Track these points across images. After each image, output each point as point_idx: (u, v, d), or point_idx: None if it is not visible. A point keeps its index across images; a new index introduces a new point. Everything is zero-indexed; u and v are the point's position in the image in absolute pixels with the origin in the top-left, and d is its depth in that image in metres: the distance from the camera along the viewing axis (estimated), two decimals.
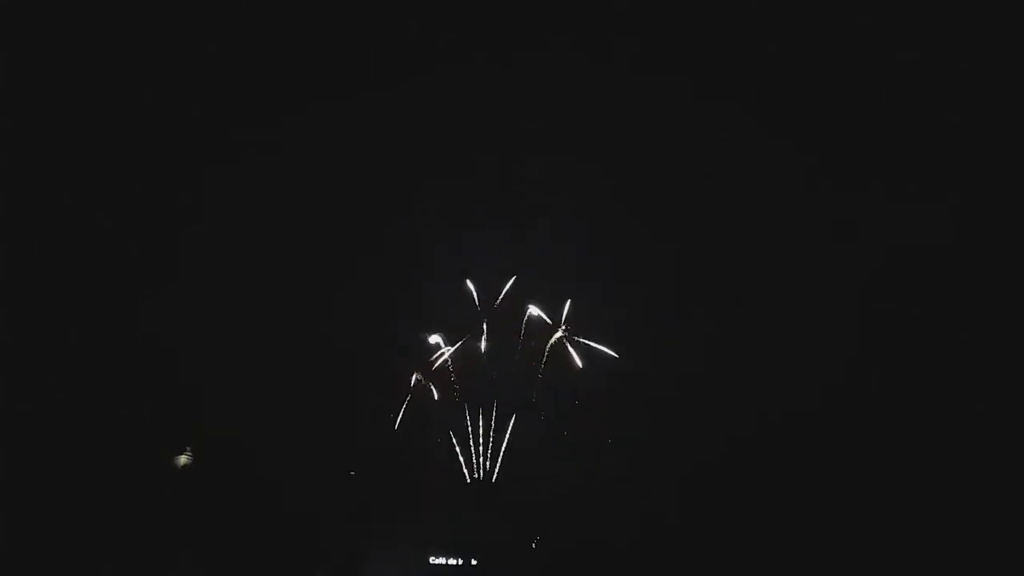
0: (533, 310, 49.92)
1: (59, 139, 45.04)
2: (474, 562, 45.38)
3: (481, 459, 48.79)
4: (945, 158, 43.95)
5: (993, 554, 38.18)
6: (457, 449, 48.91)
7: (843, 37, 44.75)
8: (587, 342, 48.97)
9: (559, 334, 49.40)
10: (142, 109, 46.69)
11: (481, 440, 48.95)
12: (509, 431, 48.83)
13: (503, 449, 48.65)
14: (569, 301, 49.80)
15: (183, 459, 46.15)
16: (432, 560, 45.23)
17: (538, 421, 49.41)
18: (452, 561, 45.33)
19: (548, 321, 49.69)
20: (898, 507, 40.87)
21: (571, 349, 49.14)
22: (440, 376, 49.64)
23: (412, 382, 49.61)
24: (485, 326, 49.68)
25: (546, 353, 49.51)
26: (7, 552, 39.03)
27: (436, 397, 49.21)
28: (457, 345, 49.60)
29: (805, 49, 45.61)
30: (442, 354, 49.67)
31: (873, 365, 43.98)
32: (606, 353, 48.74)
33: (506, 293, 50.32)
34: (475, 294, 50.54)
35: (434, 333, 49.92)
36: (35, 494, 41.10)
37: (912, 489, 40.95)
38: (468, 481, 48.66)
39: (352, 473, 47.38)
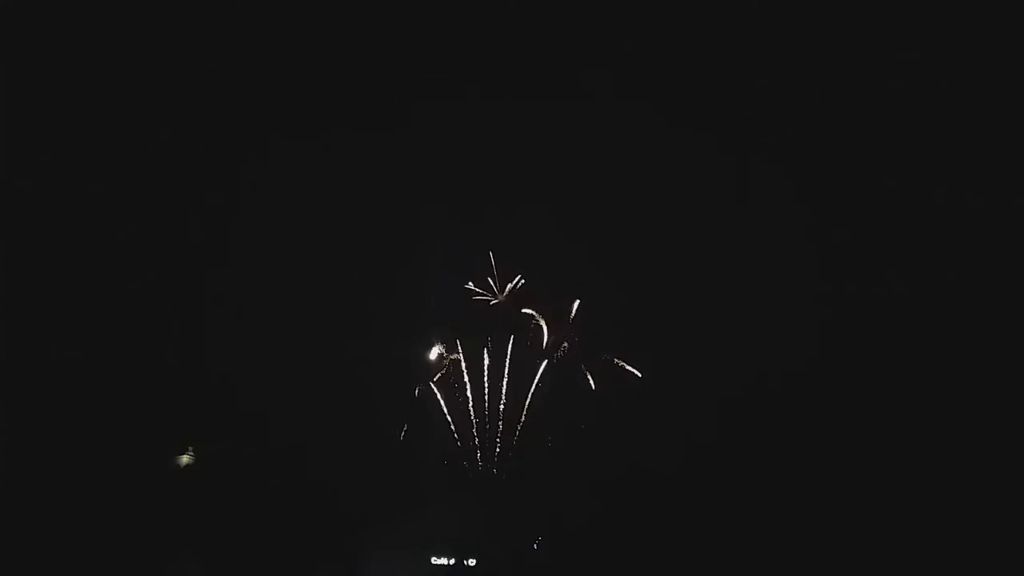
0: (540, 320, 50.03)
1: (82, 159, 45.90)
2: (471, 562, 45.18)
3: (485, 459, 48.85)
4: (944, 157, 44.52)
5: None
6: (459, 444, 48.99)
7: (842, 37, 45.36)
8: (615, 359, 48.98)
9: (565, 345, 49.41)
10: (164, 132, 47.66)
11: (487, 441, 49.01)
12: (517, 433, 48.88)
13: (510, 453, 48.74)
14: (577, 302, 49.93)
15: (185, 458, 46.17)
16: (434, 560, 45.05)
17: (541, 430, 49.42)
18: (451, 561, 45.16)
19: (548, 327, 49.79)
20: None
21: (584, 368, 49.21)
22: (444, 385, 49.66)
23: (416, 392, 49.61)
24: (489, 340, 49.63)
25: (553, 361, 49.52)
26: (8, 551, 39.06)
27: (443, 404, 49.19)
28: (459, 355, 49.58)
29: (804, 50, 46.23)
30: (445, 365, 49.69)
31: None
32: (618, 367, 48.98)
33: (509, 297, 50.50)
34: (475, 293, 50.78)
35: (435, 345, 49.91)
36: (37, 493, 41.21)
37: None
38: (471, 476, 48.67)
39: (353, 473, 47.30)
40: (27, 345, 43.01)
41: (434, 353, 49.73)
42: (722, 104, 47.23)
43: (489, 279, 51.15)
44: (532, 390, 48.62)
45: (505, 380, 48.81)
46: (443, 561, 45.25)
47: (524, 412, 48.60)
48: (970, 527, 39.28)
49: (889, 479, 41.91)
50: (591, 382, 49.03)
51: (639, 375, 48.67)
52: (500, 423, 48.68)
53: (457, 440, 48.74)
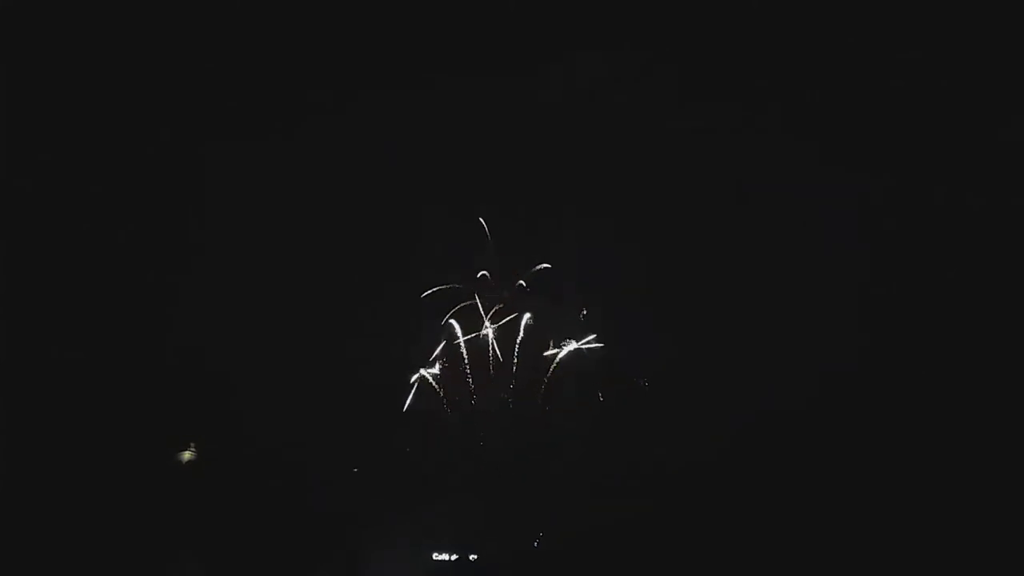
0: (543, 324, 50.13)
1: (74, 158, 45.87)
2: (473, 557, 45.27)
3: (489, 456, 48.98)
4: (944, 157, 44.56)
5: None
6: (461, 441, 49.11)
7: (842, 37, 45.39)
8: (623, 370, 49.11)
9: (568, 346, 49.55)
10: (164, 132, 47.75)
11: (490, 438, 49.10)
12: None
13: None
14: (585, 311, 49.94)
15: (187, 455, 46.26)
16: (435, 556, 45.15)
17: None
18: (453, 556, 45.25)
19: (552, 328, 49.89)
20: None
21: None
22: (445, 383, 49.71)
23: (417, 391, 49.72)
24: (490, 331, 49.61)
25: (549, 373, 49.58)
26: (9, 550, 39.11)
27: (446, 403, 49.26)
28: (462, 353, 49.66)
29: (804, 50, 46.27)
30: (445, 364, 49.76)
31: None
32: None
33: (512, 295, 50.62)
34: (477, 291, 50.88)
35: (436, 343, 49.92)
36: (37, 493, 41.25)
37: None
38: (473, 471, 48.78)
39: (355, 470, 47.40)
40: (27, 345, 42.97)
41: (436, 352, 49.81)
42: (723, 103, 47.19)
43: (488, 274, 51.17)
44: (542, 389, 48.83)
45: (510, 380, 48.99)
46: (444, 557, 45.32)
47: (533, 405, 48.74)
48: (970, 527, 39.31)
49: (889, 479, 41.97)
50: (600, 395, 49.20)
51: (646, 383, 48.79)
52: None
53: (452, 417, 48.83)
